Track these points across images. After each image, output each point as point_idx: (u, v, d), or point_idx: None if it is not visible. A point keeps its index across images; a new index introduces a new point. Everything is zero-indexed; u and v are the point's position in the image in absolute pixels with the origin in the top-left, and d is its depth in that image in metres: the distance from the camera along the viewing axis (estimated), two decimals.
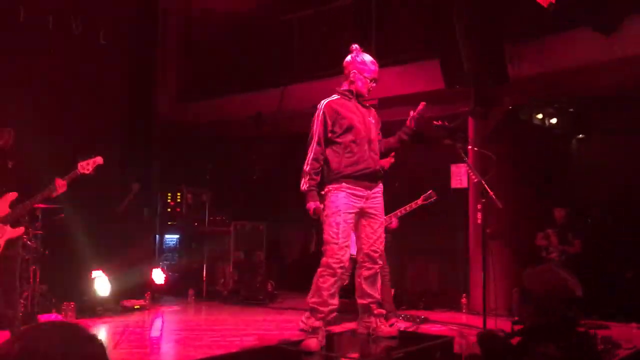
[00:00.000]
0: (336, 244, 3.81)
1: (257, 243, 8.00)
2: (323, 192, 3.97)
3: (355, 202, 3.90)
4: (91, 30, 7.47)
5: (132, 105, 7.99)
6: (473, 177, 5.12)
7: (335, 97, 4.02)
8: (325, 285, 3.79)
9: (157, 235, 8.36)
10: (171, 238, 8.39)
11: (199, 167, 8.19)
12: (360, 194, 3.91)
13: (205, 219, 7.90)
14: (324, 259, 3.84)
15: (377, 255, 4.02)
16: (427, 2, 6.36)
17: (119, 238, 6.80)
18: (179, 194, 8.30)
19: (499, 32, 5.98)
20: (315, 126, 3.93)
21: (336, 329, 4.58)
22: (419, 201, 5.51)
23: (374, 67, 4.06)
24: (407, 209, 5.54)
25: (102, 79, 7.52)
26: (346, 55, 4.12)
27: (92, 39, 7.45)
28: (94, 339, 1.26)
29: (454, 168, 7.03)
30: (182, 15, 9.77)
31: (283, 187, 8.65)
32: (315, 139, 3.92)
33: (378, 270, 4.08)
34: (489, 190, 4.76)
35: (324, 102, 3.99)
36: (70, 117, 6.70)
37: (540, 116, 7.37)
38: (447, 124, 6.02)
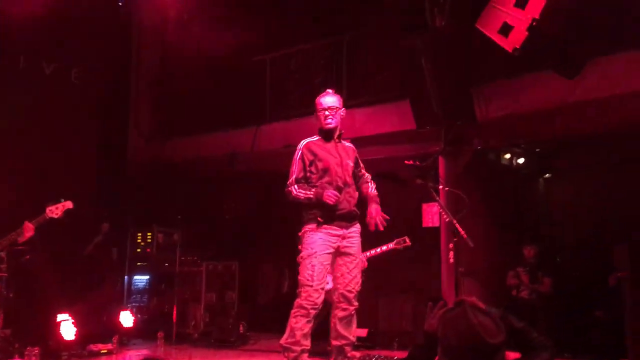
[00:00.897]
0: (311, 286, 3.82)
1: (229, 283, 7.89)
2: (300, 234, 4.02)
3: (332, 242, 3.95)
4: (63, 69, 7.46)
5: (104, 144, 7.94)
6: (445, 216, 5.17)
7: (315, 138, 4.16)
8: (298, 325, 3.81)
9: (126, 277, 8.19)
10: (140, 279, 8.21)
11: (170, 207, 8.10)
12: (337, 233, 3.96)
13: (176, 259, 7.78)
14: (298, 301, 3.85)
15: (352, 295, 4.03)
16: (397, 44, 6.50)
17: (87, 280, 6.65)
18: (149, 234, 8.18)
19: (467, 75, 6.14)
20: (293, 166, 4.06)
21: None
22: (391, 245, 5.53)
23: (323, 98, 4.21)
24: (379, 250, 5.55)
25: (74, 117, 7.48)
26: (317, 95, 4.26)
27: (64, 78, 7.43)
28: None
29: (425, 207, 7.08)
30: (155, 54, 9.82)
31: (256, 227, 8.62)
32: (293, 177, 4.04)
33: (353, 312, 4.07)
34: (460, 230, 4.80)
35: (303, 142, 4.12)
36: (40, 157, 6.61)
37: (507, 156, 7.52)
38: (418, 163, 6.10)
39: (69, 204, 4.40)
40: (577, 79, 5.60)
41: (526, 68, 5.95)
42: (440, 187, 6.05)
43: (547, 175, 8.33)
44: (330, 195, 3.90)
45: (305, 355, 3.88)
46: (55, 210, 4.36)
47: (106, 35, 8.13)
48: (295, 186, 4.01)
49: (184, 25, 9.17)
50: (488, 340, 2.20)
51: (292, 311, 3.88)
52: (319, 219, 3.93)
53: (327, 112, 4.13)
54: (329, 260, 3.95)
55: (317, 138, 4.16)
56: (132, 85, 9.34)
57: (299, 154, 4.07)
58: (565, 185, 8.11)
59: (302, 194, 3.98)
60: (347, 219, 4.04)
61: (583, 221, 7.46)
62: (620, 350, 5.25)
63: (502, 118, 6.24)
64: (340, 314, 4.02)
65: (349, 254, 4.04)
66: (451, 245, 5.20)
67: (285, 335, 3.90)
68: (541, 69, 5.85)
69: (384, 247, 5.55)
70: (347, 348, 4.06)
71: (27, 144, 6.57)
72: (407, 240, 5.48)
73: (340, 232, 3.98)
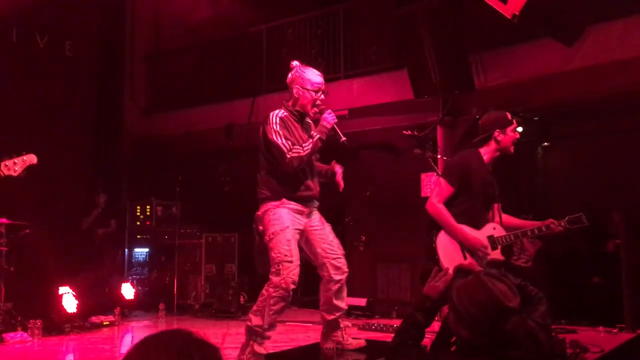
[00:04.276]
0: (290, 262, 3.59)
1: (229, 255, 7.93)
2: (260, 213, 3.78)
3: (297, 218, 3.74)
4: (57, 42, 7.37)
5: (100, 118, 7.90)
6: None
7: (284, 112, 3.80)
8: (275, 307, 3.60)
9: (126, 249, 8.23)
10: (140, 252, 8.26)
11: (168, 180, 8.10)
12: (301, 209, 3.76)
13: (175, 231, 7.81)
14: (277, 279, 3.59)
15: (342, 261, 3.90)
16: (394, 13, 6.43)
17: (87, 252, 6.67)
18: (148, 206, 8.19)
19: (465, 43, 6.09)
20: (278, 138, 3.65)
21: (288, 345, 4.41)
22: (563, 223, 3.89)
23: (319, 78, 3.88)
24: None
25: (69, 91, 7.42)
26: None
27: (58, 51, 7.34)
28: (206, 343, 1.27)
29: (424, 177, 7.09)
30: (150, 26, 9.71)
31: (254, 199, 8.62)
32: (288, 143, 3.64)
33: (345, 280, 3.95)
34: None
35: (276, 113, 3.77)
36: (34, 131, 6.58)
37: None
38: (416, 133, 6.07)
39: (32, 159, 3.70)
40: (576, 46, 5.56)
41: (525, 35, 5.90)
42: (439, 156, 6.05)
43: (545, 143, 8.32)
44: (328, 118, 3.70)
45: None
46: (12, 167, 3.64)
47: (99, 7, 8.02)
48: (297, 148, 3.64)
49: None
50: (507, 304, 2.24)
51: (270, 290, 3.60)
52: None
53: (320, 95, 3.82)
54: (298, 238, 3.72)
55: (286, 114, 3.79)
56: (126, 58, 9.24)
57: (278, 122, 3.68)
58: (563, 153, 8.11)
59: (309, 148, 3.65)
60: (311, 201, 3.83)
61: (581, 189, 7.48)
62: (618, 316, 5.31)
63: (500, 86, 6.20)
64: (334, 286, 3.85)
65: (318, 226, 3.85)
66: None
67: (257, 319, 3.62)
68: (540, 36, 5.80)
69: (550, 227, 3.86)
70: (340, 319, 3.98)
71: (21, 118, 6.52)
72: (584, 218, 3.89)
73: (305, 210, 3.78)
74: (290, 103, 3.88)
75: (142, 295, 7.56)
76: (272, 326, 3.67)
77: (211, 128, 8.24)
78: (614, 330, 5.18)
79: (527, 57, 6.01)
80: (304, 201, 3.78)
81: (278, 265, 3.62)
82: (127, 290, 7.09)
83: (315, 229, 3.85)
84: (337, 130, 3.79)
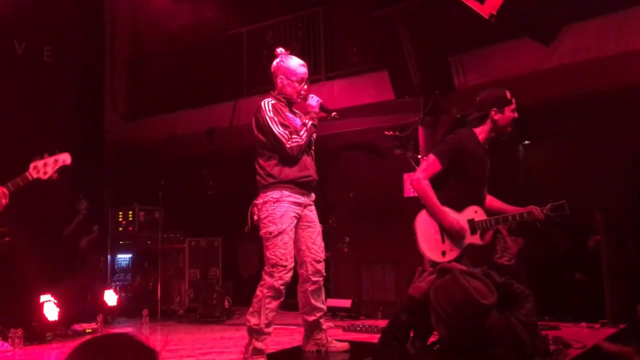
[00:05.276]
0: (285, 266, 3.67)
1: (213, 259, 7.90)
2: (259, 202, 3.80)
3: (295, 212, 3.77)
4: (35, 48, 7.29)
5: (80, 123, 7.81)
6: None
7: (273, 100, 3.86)
8: (271, 306, 3.68)
9: (109, 255, 8.16)
10: (123, 257, 8.19)
11: (151, 185, 8.05)
12: (300, 201, 3.79)
13: (158, 236, 7.75)
14: (270, 280, 3.67)
15: (321, 265, 3.91)
16: (373, 15, 6.45)
17: (68, 260, 6.60)
18: (130, 212, 8.13)
19: (444, 43, 6.12)
20: (275, 125, 3.71)
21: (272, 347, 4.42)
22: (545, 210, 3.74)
23: (303, 68, 3.92)
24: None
25: (48, 97, 7.34)
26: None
27: (36, 56, 7.27)
28: (144, 347, 1.27)
29: (406, 177, 7.12)
30: (129, 31, 9.65)
31: (238, 203, 8.58)
32: (286, 133, 3.71)
33: (322, 282, 3.97)
34: None
35: (268, 101, 3.82)
36: (14, 137, 6.50)
37: None
38: (398, 133, 6.10)
39: (65, 159, 3.32)
40: (554, 45, 5.62)
41: (503, 35, 5.95)
42: (420, 156, 6.08)
43: (526, 142, 8.39)
44: (313, 103, 3.79)
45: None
46: (41, 168, 3.28)
47: (78, 13, 7.95)
48: (295, 137, 3.72)
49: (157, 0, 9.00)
50: (483, 302, 2.24)
51: (264, 291, 3.67)
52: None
53: (304, 86, 3.90)
54: (293, 237, 3.77)
55: (274, 101, 3.84)
56: (106, 64, 9.17)
57: (271, 111, 3.75)
58: (544, 152, 8.18)
59: (305, 135, 3.73)
60: (309, 188, 3.88)
61: (561, 186, 7.55)
62: (600, 312, 5.36)
63: (480, 86, 6.23)
64: (312, 287, 3.88)
65: (311, 223, 3.88)
66: None
67: (254, 319, 3.68)
68: (518, 35, 5.86)
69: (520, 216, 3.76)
70: (322, 320, 3.98)
71: (0, 124, 6.44)
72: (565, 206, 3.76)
73: (302, 199, 3.80)
74: (275, 92, 3.95)
75: (125, 301, 7.49)
76: (269, 324, 3.73)
77: (193, 132, 8.20)
78: (596, 326, 5.24)
79: (506, 57, 6.07)
80: (303, 186, 3.81)
81: (272, 267, 3.69)
82: (110, 297, 7.02)
83: (307, 226, 3.88)
84: (326, 107, 3.91)
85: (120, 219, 8.17)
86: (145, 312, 6.88)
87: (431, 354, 2.59)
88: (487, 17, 5.16)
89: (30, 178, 3.25)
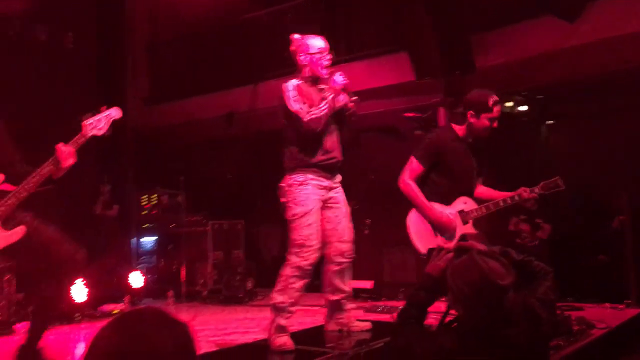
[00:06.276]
0: (311, 246, 3.67)
1: (236, 242, 7.97)
2: (284, 184, 3.79)
3: (320, 194, 3.77)
4: (57, 35, 7.38)
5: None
6: None
7: (297, 81, 3.81)
8: (297, 286, 3.69)
9: (134, 238, 8.30)
10: (148, 240, 8.33)
11: (172, 169, 8.14)
12: (324, 184, 3.78)
13: (181, 219, 7.85)
14: (296, 260, 3.68)
15: (348, 247, 3.92)
16: None
17: (95, 242, 6.70)
18: (153, 196, 8.24)
19: (465, 23, 6.05)
20: (297, 103, 3.67)
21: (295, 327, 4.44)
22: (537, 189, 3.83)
23: (321, 41, 3.89)
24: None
25: (70, 83, 7.43)
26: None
27: (58, 43, 7.35)
28: (175, 320, 1.32)
29: None
30: (148, 17, 9.68)
31: (258, 185, 8.65)
32: (305, 109, 3.66)
33: (349, 265, 3.97)
34: None
35: (292, 82, 3.77)
36: (37, 123, 6.60)
37: (510, 104, 7.47)
38: (418, 115, 6.08)
39: (116, 113, 3.20)
40: (578, 22, 5.52)
41: (526, 13, 5.86)
42: None
43: (549, 122, 8.29)
44: (338, 79, 3.73)
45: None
46: (96, 124, 3.15)
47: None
48: (314, 110, 3.66)
49: None
50: (499, 283, 2.24)
51: (290, 270, 3.68)
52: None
53: (326, 56, 3.83)
54: (320, 218, 3.77)
55: (299, 82, 3.79)
56: (127, 50, 9.23)
57: (295, 92, 3.70)
58: (567, 132, 8.08)
59: (325, 108, 3.65)
60: (334, 170, 3.85)
61: (585, 167, 7.47)
62: (624, 292, 5.33)
63: (501, 65, 6.17)
64: (335, 267, 3.89)
65: (336, 204, 3.87)
66: None
67: (280, 297, 3.69)
68: (541, 13, 5.76)
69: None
70: (344, 302, 3.99)
71: (23, 111, 6.54)
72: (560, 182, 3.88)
73: (326, 183, 3.79)
74: (301, 74, 3.89)
75: (151, 283, 7.63)
76: (294, 303, 3.73)
77: (213, 117, 8.24)
78: (621, 307, 5.20)
79: (528, 36, 5.98)
80: (328, 169, 3.80)
81: (298, 248, 3.69)
82: (136, 279, 7.15)
83: (333, 207, 3.87)
84: (349, 90, 3.84)
85: (144, 203, 8.29)
86: (170, 293, 7.00)
87: (448, 332, 2.60)
88: None
89: (87, 136, 3.19)
